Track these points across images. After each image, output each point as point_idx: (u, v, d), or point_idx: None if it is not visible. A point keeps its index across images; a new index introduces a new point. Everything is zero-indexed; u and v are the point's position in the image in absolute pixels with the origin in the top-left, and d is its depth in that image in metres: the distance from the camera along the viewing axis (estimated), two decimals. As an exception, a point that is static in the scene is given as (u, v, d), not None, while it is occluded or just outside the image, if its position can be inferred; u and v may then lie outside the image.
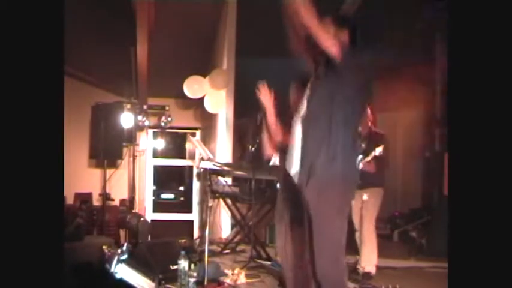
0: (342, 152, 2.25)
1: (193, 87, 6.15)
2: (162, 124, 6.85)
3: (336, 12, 2.66)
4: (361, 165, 4.06)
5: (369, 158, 4.04)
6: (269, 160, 4.63)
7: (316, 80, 2.42)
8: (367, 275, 4.16)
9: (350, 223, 4.41)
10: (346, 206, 2.36)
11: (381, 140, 4.32)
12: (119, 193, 7.27)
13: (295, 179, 2.41)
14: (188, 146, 7.95)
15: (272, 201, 5.15)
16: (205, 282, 3.57)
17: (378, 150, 4.02)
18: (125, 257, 3.25)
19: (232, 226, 5.89)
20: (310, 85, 2.46)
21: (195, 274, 3.53)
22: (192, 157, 7.44)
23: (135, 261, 3.43)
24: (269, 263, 4.47)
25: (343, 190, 2.30)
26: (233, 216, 5.53)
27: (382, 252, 4.39)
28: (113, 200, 7.03)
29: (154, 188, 7.91)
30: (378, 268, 4.28)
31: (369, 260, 4.19)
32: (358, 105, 2.39)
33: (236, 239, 5.32)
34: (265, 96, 2.89)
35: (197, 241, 5.71)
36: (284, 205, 2.83)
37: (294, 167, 2.42)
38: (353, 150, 2.38)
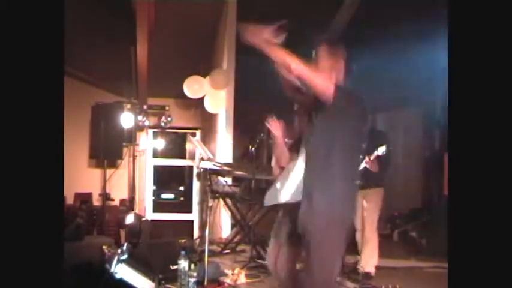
0: (341, 180, 2.27)
1: (193, 87, 6.15)
2: (162, 124, 6.86)
3: (328, 35, 2.64)
4: (364, 164, 4.06)
5: (372, 157, 4.03)
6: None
7: (314, 117, 2.41)
8: (367, 275, 4.16)
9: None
10: (342, 234, 2.36)
11: (382, 138, 4.32)
12: (119, 193, 7.27)
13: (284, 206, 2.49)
14: (188, 146, 7.95)
15: None
16: (205, 282, 3.58)
17: (381, 150, 4.00)
18: (125, 257, 3.25)
19: (232, 226, 5.89)
20: (308, 123, 2.48)
21: (195, 274, 3.53)
22: (192, 157, 7.44)
23: (135, 261, 3.43)
24: (269, 263, 4.47)
25: (340, 219, 2.31)
26: (233, 216, 5.53)
27: (382, 252, 4.40)
28: (113, 200, 7.04)
29: (154, 188, 7.91)
30: (378, 268, 4.28)
31: (369, 260, 4.19)
32: (358, 135, 2.42)
33: (236, 239, 5.32)
34: (275, 128, 2.92)
35: (197, 241, 5.72)
36: (283, 223, 2.82)
37: (284, 195, 2.49)
38: (352, 177, 2.39)
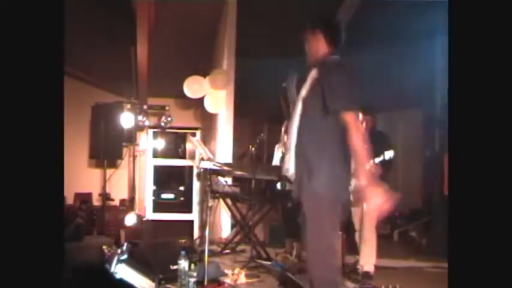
0: (329, 168, 2.36)
1: (193, 87, 6.14)
2: (162, 124, 6.85)
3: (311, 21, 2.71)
4: (367, 167, 4.04)
5: (377, 161, 4.00)
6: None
7: (308, 90, 2.48)
8: (366, 274, 4.15)
9: (350, 223, 4.41)
10: (332, 217, 2.44)
11: (386, 141, 4.31)
12: (119, 193, 7.27)
13: (292, 180, 2.52)
14: (188, 146, 7.95)
15: (272, 201, 5.15)
16: (205, 282, 3.57)
17: (389, 155, 3.97)
18: (125, 257, 3.25)
19: (232, 226, 5.89)
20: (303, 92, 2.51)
21: (195, 274, 3.53)
22: (192, 157, 7.44)
23: (135, 261, 3.43)
24: (269, 263, 4.47)
25: (327, 206, 2.39)
26: (233, 216, 5.53)
27: (382, 252, 4.39)
28: (113, 200, 7.03)
29: (154, 188, 7.91)
30: (378, 268, 4.28)
31: (368, 259, 4.19)
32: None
33: (236, 239, 5.32)
34: None
35: (197, 241, 5.72)
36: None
37: (290, 168, 2.50)
38: (342, 167, 2.44)
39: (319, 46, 2.52)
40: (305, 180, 2.38)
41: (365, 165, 2.32)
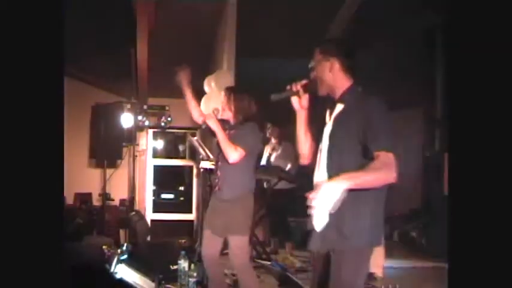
0: (366, 213, 2.06)
1: (211, 85, 6.11)
2: (162, 124, 6.85)
3: (323, 40, 2.29)
4: None
5: None
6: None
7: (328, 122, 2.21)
8: (370, 276, 4.14)
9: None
10: (367, 267, 2.23)
11: None
12: (119, 193, 7.27)
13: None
14: (185, 146, 7.95)
15: (262, 199, 5.16)
16: (205, 282, 3.58)
17: None
18: (125, 257, 3.25)
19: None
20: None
21: (195, 274, 3.54)
22: (193, 157, 7.44)
23: (135, 261, 3.43)
24: (269, 263, 4.47)
25: (366, 256, 2.13)
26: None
27: (382, 253, 4.39)
28: (113, 200, 7.03)
29: (154, 188, 7.91)
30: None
31: (373, 261, 4.17)
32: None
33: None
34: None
35: (197, 241, 5.71)
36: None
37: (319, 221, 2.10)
38: (379, 210, 2.11)
39: (334, 76, 2.17)
40: (337, 231, 2.03)
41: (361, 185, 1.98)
